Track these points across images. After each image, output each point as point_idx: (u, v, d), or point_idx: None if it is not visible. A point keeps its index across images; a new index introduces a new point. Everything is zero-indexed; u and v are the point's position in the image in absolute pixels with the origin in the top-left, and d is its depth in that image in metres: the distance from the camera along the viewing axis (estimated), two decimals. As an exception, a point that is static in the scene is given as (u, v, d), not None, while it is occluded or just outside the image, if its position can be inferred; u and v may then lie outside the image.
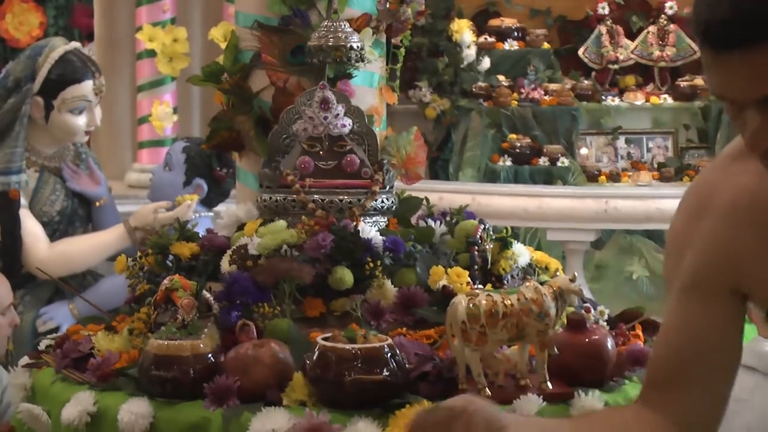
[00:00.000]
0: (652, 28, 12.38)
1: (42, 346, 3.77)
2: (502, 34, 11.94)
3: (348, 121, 3.49)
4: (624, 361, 3.37)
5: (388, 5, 3.86)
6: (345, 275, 3.31)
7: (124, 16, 8.79)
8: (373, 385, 3.07)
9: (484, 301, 3.10)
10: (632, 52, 12.15)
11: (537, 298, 3.14)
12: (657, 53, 11.99)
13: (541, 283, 3.28)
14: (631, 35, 12.27)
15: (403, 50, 4.38)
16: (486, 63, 11.54)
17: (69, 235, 6.20)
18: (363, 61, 3.67)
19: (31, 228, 6.03)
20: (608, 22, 12.03)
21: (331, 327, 3.21)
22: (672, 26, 11.65)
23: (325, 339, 3.12)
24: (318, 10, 3.60)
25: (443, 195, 4.17)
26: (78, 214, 6.28)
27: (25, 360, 3.71)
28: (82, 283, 6.00)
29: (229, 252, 3.42)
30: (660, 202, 8.17)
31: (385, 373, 3.09)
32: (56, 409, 3.25)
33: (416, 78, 11.00)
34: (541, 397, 3.11)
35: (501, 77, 11.51)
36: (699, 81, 11.18)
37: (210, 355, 3.17)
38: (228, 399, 3.09)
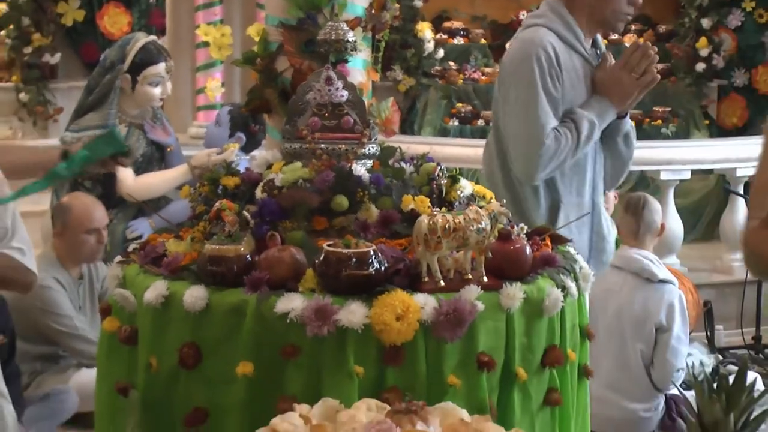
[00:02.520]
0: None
1: (130, 248, 3.76)
2: (452, 33, 12.06)
3: (345, 93, 3.49)
4: (537, 263, 3.36)
5: (373, 12, 3.86)
6: (342, 201, 3.31)
7: (187, 17, 8.79)
8: (362, 278, 3.07)
9: (440, 220, 3.10)
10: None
11: (477, 217, 3.14)
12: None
13: (480, 207, 3.28)
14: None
15: (383, 43, 4.40)
16: (441, 53, 11.63)
17: (149, 171, 6.21)
18: (355, 50, 3.67)
19: (122, 169, 6.04)
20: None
21: (332, 237, 3.21)
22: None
23: (328, 245, 3.12)
24: (324, 14, 3.60)
25: (410, 145, 4.15)
26: (155, 157, 6.31)
27: (118, 258, 3.71)
28: (158, 205, 6.02)
29: (261, 184, 3.41)
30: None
31: (371, 269, 3.09)
32: (140, 293, 3.24)
33: (392, 63, 10.97)
34: (479, 287, 3.12)
35: (451, 63, 11.55)
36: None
37: (248, 256, 3.17)
38: (260, 287, 3.08)
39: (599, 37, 4.76)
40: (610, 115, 4.46)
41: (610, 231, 4.83)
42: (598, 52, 4.67)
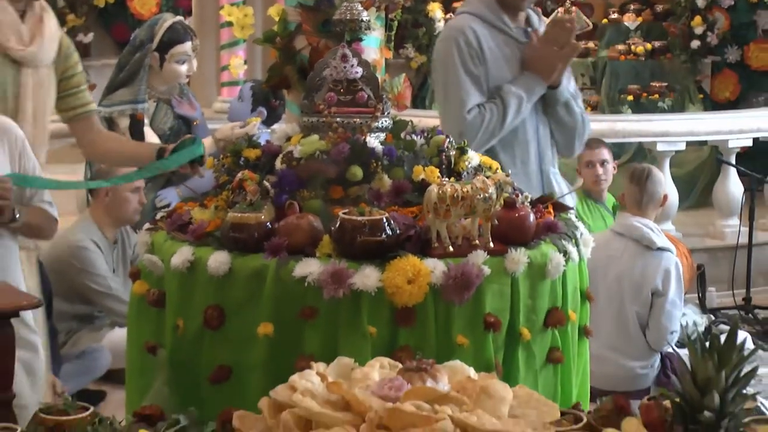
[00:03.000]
0: (560, 9, 11.75)
1: (158, 216, 3.75)
2: (461, 12, 11.98)
3: (359, 69, 3.47)
4: (540, 229, 3.35)
5: (386, -7, 3.85)
6: (357, 171, 3.29)
7: (212, -1, 8.80)
8: (375, 244, 3.06)
9: (449, 189, 3.09)
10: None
11: (483, 187, 3.12)
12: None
13: (486, 177, 3.27)
14: (546, 14, 12.15)
15: (395, 23, 4.39)
16: (450, 32, 11.56)
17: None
18: (369, 29, 3.65)
19: (150, 138, 6.05)
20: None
21: (347, 206, 3.19)
22: (573, 8, 11.35)
23: (343, 213, 3.10)
24: (340, -5, 3.58)
25: (422, 119, 4.14)
26: (182, 130, 6.28)
27: (147, 225, 3.71)
28: (184, 175, 5.99)
29: (280, 155, 3.40)
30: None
31: (383, 236, 3.08)
32: (167, 259, 3.24)
33: (404, 42, 10.94)
34: (486, 252, 3.11)
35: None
36: (591, 44, 11.11)
37: (268, 224, 3.16)
38: (279, 252, 3.08)
39: (534, 15, 4.85)
40: (539, 88, 4.58)
41: (559, 186, 4.85)
42: (529, 29, 4.72)
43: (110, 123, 6.12)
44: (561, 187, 4.86)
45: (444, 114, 4.49)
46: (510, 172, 4.30)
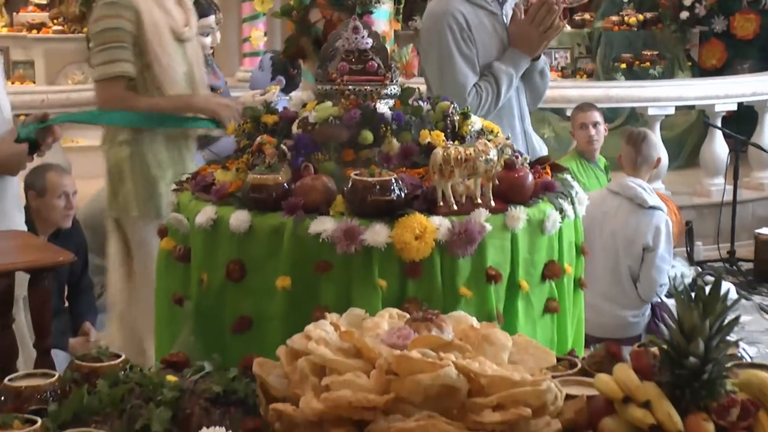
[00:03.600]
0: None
1: (183, 178, 3.74)
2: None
3: (369, 41, 3.45)
4: (539, 189, 3.34)
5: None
6: (368, 135, 3.29)
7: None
8: (385, 203, 3.05)
9: (453, 151, 3.08)
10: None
11: (485, 149, 3.12)
12: (563, -1, 11.79)
13: (488, 140, 3.26)
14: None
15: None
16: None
17: None
18: (379, 2, 3.65)
19: None
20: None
21: (359, 167, 3.19)
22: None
23: (355, 174, 3.10)
24: (352, -28, 3.55)
25: (428, 87, 4.20)
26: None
27: (173, 186, 3.71)
28: (208, 140, 5.99)
29: (297, 121, 3.39)
30: (562, 90, 8.06)
31: (393, 195, 3.07)
32: (192, 217, 3.24)
33: (413, 14, 10.85)
34: (488, 210, 3.11)
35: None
36: (587, 16, 11.04)
37: (285, 184, 3.15)
38: (296, 211, 3.07)
39: None
40: (524, 63, 4.57)
41: (542, 148, 4.94)
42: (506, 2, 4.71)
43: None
44: (539, 144, 4.96)
45: (441, 93, 4.40)
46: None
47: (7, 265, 3.44)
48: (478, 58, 4.47)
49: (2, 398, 2.54)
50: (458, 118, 3.50)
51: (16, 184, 4.27)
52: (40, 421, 2.33)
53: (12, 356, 3.65)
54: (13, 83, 8.90)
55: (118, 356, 2.65)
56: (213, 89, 6.37)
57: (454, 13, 4.42)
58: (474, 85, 4.41)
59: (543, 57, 4.85)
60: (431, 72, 4.47)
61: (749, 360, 2.51)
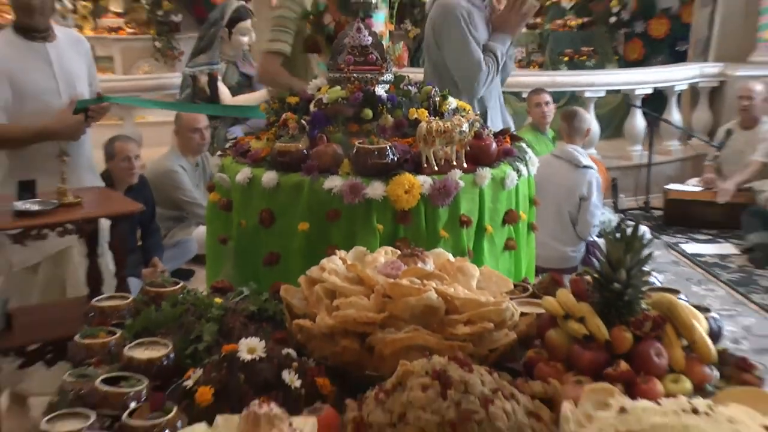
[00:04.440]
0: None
1: (227, 146, 3.72)
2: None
3: (370, 38, 3.43)
4: (501, 154, 3.33)
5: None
6: (368, 112, 3.27)
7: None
8: (382, 165, 3.04)
9: (434, 125, 3.06)
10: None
11: (459, 123, 3.10)
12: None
13: (462, 116, 3.24)
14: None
15: (397, 3, 4.39)
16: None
17: (240, 94, 6.18)
18: (377, 8, 3.63)
19: (222, 89, 6.04)
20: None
21: (361, 137, 3.17)
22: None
23: (359, 143, 3.08)
24: (356, -16, 3.52)
25: (415, 75, 4.14)
26: (244, 84, 6.28)
27: (219, 153, 3.69)
28: (248, 110, 5.98)
29: (313, 101, 3.37)
30: (519, 78, 8.00)
31: (388, 159, 3.06)
32: (233, 176, 3.23)
33: (404, 18, 10.78)
34: (461, 170, 3.10)
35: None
36: (538, 20, 10.92)
37: (304, 150, 3.14)
38: (312, 171, 3.06)
39: None
40: (508, 42, 4.68)
41: (509, 118, 5.05)
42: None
43: (194, 79, 6.11)
44: (507, 115, 5.04)
45: (464, 68, 4.52)
46: (489, 106, 4.67)
47: (92, 213, 3.44)
48: (478, 40, 4.54)
49: (91, 314, 2.59)
50: (438, 99, 3.48)
51: (88, 150, 4.22)
52: (119, 332, 2.38)
53: (98, 283, 3.65)
54: (99, 73, 8.91)
55: (178, 283, 2.65)
56: (249, 77, 6.35)
57: (461, 7, 4.51)
58: (483, 59, 4.52)
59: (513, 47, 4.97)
60: (450, 50, 4.54)
61: (659, 285, 2.51)
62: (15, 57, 3.63)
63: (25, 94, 3.71)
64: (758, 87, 7.55)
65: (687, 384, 2.08)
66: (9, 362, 3.33)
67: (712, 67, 8.71)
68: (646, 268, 2.19)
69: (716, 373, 2.17)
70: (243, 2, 6.51)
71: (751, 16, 8.65)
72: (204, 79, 6.09)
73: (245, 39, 6.23)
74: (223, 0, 8.36)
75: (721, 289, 6.23)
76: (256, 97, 6.09)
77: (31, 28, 3.77)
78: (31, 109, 3.64)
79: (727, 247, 7.09)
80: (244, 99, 6.14)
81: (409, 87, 3.51)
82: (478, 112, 4.26)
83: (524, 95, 7.49)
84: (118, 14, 9.28)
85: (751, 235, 6.90)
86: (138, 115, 7.28)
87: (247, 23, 6.23)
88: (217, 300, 2.48)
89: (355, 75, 3.42)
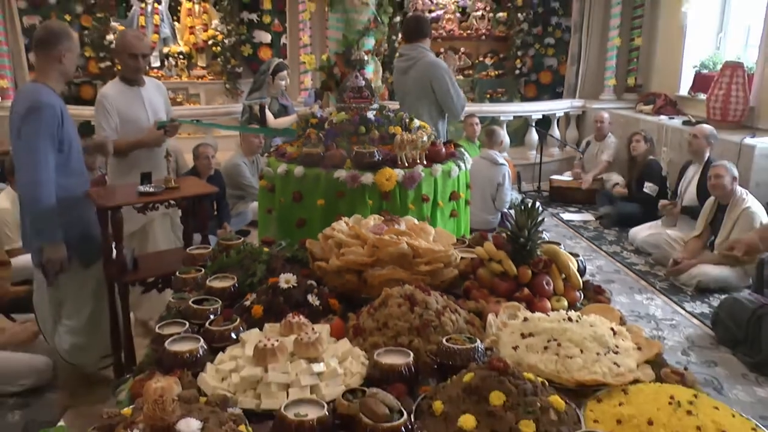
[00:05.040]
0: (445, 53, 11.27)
1: (271, 150, 3.65)
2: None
3: (363, 82, 3.38)
4: (447, 155, 3.30)
5: (376, 46, 3.70)
6: (362, 128, 3.23)
7: (296, 52, 8.47)
8: (372, 162, 3.01)
9: (405, 137, 3.03)
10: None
11: (421, 135, 3.06)
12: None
13: (423, 131, 3.20)
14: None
15: (381, 59, 4.33)
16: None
17: (280, 117, 6.09)
18: (368, 63, 3.61)
19: (268, 115, 5.97)
20: None
21: (359, 145, 3.13)
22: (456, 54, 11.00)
23: (357, 148, 3.05)
24: (356, 47, 3.45)
25: (392, 105, 4.11)
26: (282, 112, 6.15)
27: (266, 155, 3.64)
28: (287, 131, 5.87)
29: (327, 121, 3.32)
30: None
31: (375, 158, 3.02)
32: (275, 169, 3.18)
33: (385, 69, 10.62)
34: (422, 166, 3.06)
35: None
36: (470, 71, 10.85)
37: (321, 153, 3.09)
38: (327, 167, 3.02)
39: None
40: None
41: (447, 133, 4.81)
42: None
43: (250, 108, 6.02)
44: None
45: (457, 101, 4.33)
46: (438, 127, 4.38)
47: (186, 193, 3.39)
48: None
49: (185, 260, 2.56)
50: (407, 120, 3.43)
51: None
52: (203, 270, 2.34)
53: (190, 239, 3.60)
54: (190, 104, 8.84)
55: (240, 239, 2.60)
56: (286, 107, 6.26)
57: (445, 63, 4.43)
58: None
59: None
60: (447, 90, 4.31)
61: (546, 238, 2.50)
62: (121, 98, 3.60)
63: (128, 120, 3.71)
64: (605, 114, 7.67)
65: (564, 302, 2.08)
66: (135, 289, 3.31)
67: (578, 102, 8.70)
68: (539, 229, 2.17)
69: (581, 295, 2.17)
70: (282, 60, 6.42)
71: (600, 71, 8.70)
72: (256, 108, 6.01)
73: (283, 83, 6.13)
74: (268, 58, 8.28)
75: (584, 242, 6.23)
76: (290, 120, 6.02)
77: (133, 79, 3.76)
78: (131, 130, 3.62)
79: (587, 216, 7.09)
80: (282, 121, 6.06)
81: (389, 113, 3.46)
82: (445, 129, 4.26)
83: (461, 118, 7.45)
84: (203, 67, 9.22)
85: (602, 208, 6.94)
86: (215, 130, 7.20)
87: (284, 73, 6.12)
88: (265, 249, 2.45)
89: (354, 105, 3.37)
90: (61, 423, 3.22)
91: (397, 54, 4.44)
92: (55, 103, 3.06)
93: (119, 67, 3.98)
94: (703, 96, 7.03)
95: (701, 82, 7.34)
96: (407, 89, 4.43)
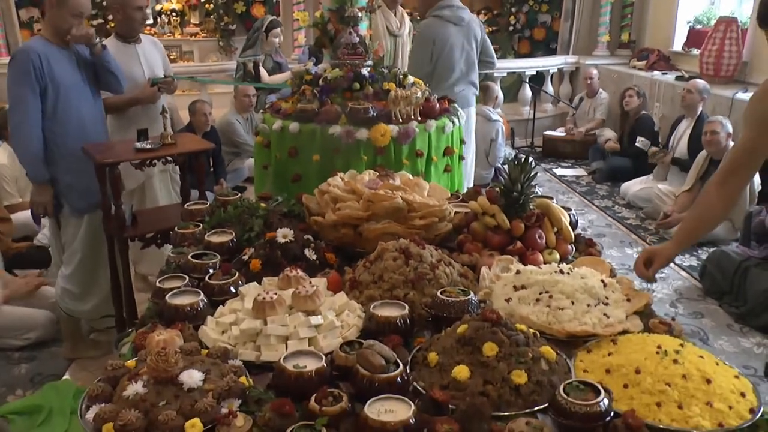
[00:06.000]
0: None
1: (266, 107, 3.61)
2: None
3: (357, 38, 3.32)
4: (441, 110, 3.25)
5: (369, 2, 3.60)
6: (356, 85, 3.19)
7: (289, 8, 8.31)
8: (367, 118, 2.97)
9: (399, 92, 2.99)
10: None
11: (415, 91, 3.03)
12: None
13: (417, 87, 3.16)
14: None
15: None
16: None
17: (274, 74, 6.00)
18: (362, 20, 3.49)
19: (262, 71, 5.85)
20: None
21: (353, 101, 3.09)
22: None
23: (351, 104, 3.01)
24: (349, 3, 3.37)
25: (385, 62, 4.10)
26: (276, 69, 6.06)
27: (261, 111, 3.59)
28: (279, 89, 5.80)
29: (321, 78, 3.27)
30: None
31: (370, 114, 2.99)
32: (271, 125, 3.14)
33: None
34: (416, 121, 3.04)
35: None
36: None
37: (316, 109, 3.06)
38: (321, 122, 2.99)
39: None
40: None
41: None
42: None
43: (244, 65, 5.94)
44: None
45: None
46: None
47: (183, 149, 3.36)
48: None
49: (183, 215, 2.56)
50: (401, 76, 3.38)
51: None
52: (201, 225, 2.34)
53: (187, 195, 3.58)
54: (184, 62, 8.70)
55: (237, 194, 2.59)
56: (280, 64, 6.16)
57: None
58: None
59: None
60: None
61: (539, 193, 2.50)
62: (118, 55, 3.52)
63: (125, 78, 3.62)
64: (594, 71, 7.60)
65: (556, 255, 2.09)
66: (135, 245, 3.31)
67: (571, 59, 8.59)
68: (532, 183, 2.17)
69: (573, 249, 2.18)
70: (275, 17, 6.31)
71: (594, 27, 8.59)
72: (250, 65, 5.93)
73: (276, 40, 6.03)
74: (261, 15, 8.13)
75: (576, 197, 6.24)
76: (284, 77, 5.95)
77: (130, 36, 3.68)
78: (127, 88, 3.55)
79: (579, 171, 7.08)
80: (277, 78, 5.98)
81: (383, 69, 3.41)
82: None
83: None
84: (196, 24, 9.07)
85: (594, 163, 6.94)
86: (209, 87, 7.11)
87: (278, 30, 6.01)
88: (262, 205, 2.44)
89: (348, 62, 3.32)
90: (66, 376, 3.26)
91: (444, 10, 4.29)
92: (35, 50, 3.02)
93: (112, 24, 3.90)
94: (696, 51, 6.95)
95: (695, 37, 7.26)
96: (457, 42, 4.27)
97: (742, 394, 1.36)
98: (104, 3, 7.45)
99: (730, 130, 4.96)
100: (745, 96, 5.79)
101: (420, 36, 4.28)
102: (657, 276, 2.00)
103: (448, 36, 4.20)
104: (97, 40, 3.26)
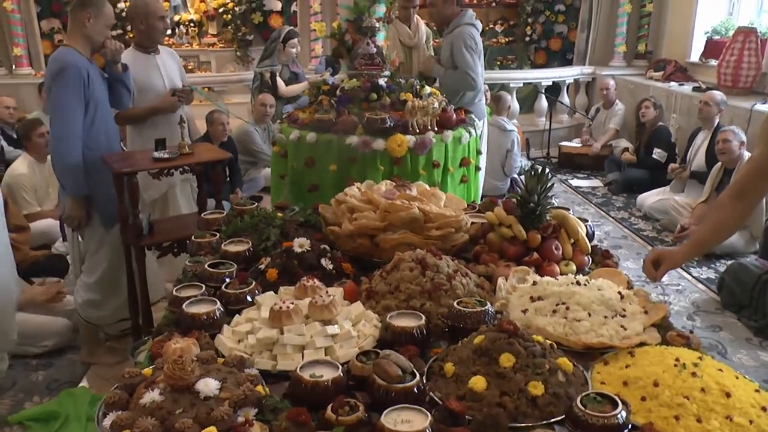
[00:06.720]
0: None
1: (283, 117, 3.63)
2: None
3: (374, 48, 3.35)
4: (458, 121, 3.27)
5: (386, 13, 3.63)
6: (374, 95, 3.21)
7: (306, 20, 8.37)
8: (384, 128, 2.98)
9: (416, 103, 3.00)
10: None
11: (432, 102, 3.04)
12: None
13: (434, 97, 3.17)
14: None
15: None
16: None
17: (291, 84, 6.03)
18: (379, 30, 3.52)
19: (279, 82, 5.88)
20: None
21: (370, 111, 3.11)
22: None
23: (368, 114, 3.02)
24: (367, 14, 3.39)
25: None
26: (293, 79, 6.10)
27: (278, 121, 3.61)
28: (296, 98, 5.83)
29: (339, 88, 3.29)
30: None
31: (387, 124, 3.00)
32: (287, 135, 3.17)
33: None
34: (433, 132, 3.04)
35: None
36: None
37: (333, 119, 3.07)
38: (339, 132, 3.01)
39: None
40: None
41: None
42: None
43: (261, 76, 5.98)
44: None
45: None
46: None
47: (200, 159, 3.37)
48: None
49: (199, 224, 2.56)
50: (419, 87, 3.40)
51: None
52: (218, 235, 2.35)
53: (204, 204, 3.60)
54: (201, 72, 8.79)
55: (253, 204, 2.60)
56: (297, 74, 6.21)
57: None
58: None
59: None
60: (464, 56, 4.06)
61: (555, 204, 2.50)
62: (137, 66, 3.56)
63: (144, 88, 3.66)
64: (611, 81, 7.56)
65: (573, 267, 2.08)
66: (152, 254, 3.32)
67: (587, 69, 8.57)
68: (549, 194, 2.16)
69: (590, 260, 2.17)
70: (292, 28, 6.35)
71: (610, 38, 8.56)
72: (267, 75, 5.97)
73: (294, 50, 6.07)
74: (279, 26, 8.19)
75: (592, 208, 6.21)
76: (301, 87, 5.98)
77: (150, 47, 3.71)
78: (148, 98, 3.59)
79: (595, 182, 7.04)
80: (293, 88, 6.02)
81: (400, 79, 3.43)
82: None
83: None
84: (214, 35, 9.16)
85: (610, 174, 6.90)
86: (227, 98, 7.17)
87: (295, 41, 6.05)
88: (279, 214, 2.45)
89: (365, 72, 3.34)
90: (83, 383, 3.28)
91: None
92: (80, 64, 3.06)
93: (131, 35, 3.95)
94: (714, 62, 6.91)
95: (713, 48, 7.21)
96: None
97: (764, 409, 1.34)
98: (123, 14, 7.54)
99: (744, 138, 4.93)
100: (764, 107, 5.74)
101: (471, 39, 4.13)
102: (674, 288, 1.99)
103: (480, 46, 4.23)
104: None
